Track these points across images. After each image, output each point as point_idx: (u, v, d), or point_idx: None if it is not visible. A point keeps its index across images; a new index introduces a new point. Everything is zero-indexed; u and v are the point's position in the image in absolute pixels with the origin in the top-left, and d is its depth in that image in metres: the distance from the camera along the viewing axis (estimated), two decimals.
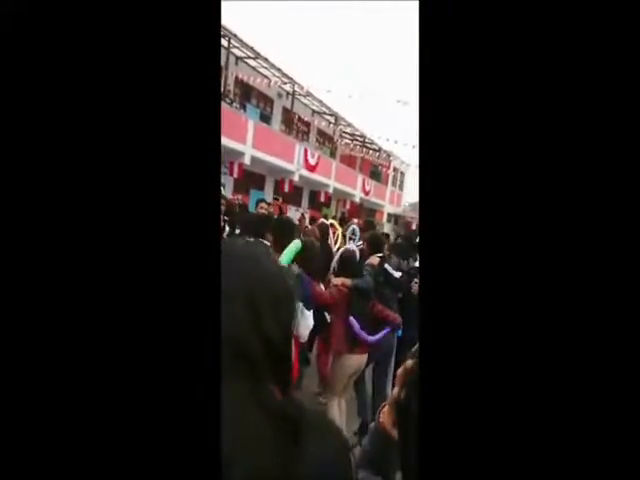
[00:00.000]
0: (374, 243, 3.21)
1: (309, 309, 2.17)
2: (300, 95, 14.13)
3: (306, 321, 2.15)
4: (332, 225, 5.06)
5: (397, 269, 3.09)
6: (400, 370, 0.61)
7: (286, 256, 2.20)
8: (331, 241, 4.57)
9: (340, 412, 2.69)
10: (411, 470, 0.56)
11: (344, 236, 4.75)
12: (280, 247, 2.26)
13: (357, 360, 2.67)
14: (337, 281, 2.63)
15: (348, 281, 2.60)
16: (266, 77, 12.43)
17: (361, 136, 17.89)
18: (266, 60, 11.82)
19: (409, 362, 0.60)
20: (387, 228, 18.80)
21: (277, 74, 12.47)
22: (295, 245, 2.32)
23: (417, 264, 3.21)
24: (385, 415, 0.63)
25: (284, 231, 2.42)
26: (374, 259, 3.02)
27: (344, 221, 7.35)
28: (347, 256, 2.76)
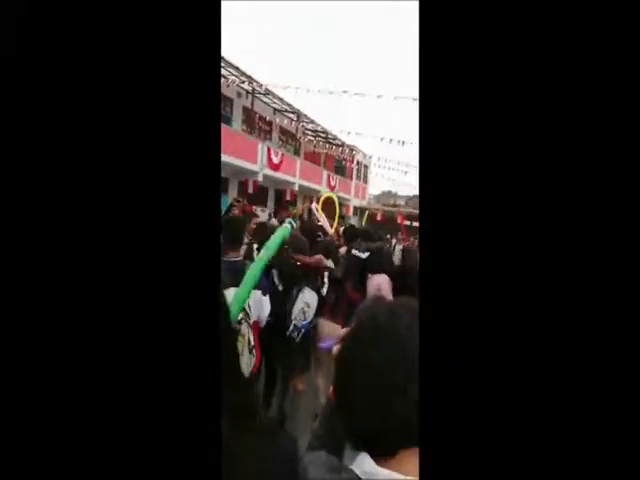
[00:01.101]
0: (347, 233, 3.85)
1: (265, 295, 2.21)
2: (260, 94, 13.91)
3: (264, 307, 2.20)
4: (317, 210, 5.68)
5: (365, 251, 3.32)
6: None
7: (274, 242, 2.17)
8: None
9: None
10: (349, 432, 0.56)
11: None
12: (229, 246, 2.18)
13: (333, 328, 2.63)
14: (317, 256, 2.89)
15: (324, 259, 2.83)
16: (223, 76, 12.14)
17: (324, 132, 17.86)
18: (222, 59, 11.54)
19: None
20: (354, 221, 18.93)
21: (234, 72, 12.21)
22: (283, 231, 2.32)
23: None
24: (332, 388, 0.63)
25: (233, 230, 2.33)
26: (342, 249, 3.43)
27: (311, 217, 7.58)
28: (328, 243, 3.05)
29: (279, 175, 14.20)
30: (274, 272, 2.69)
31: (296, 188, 15.72)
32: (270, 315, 2.26)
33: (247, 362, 2.07)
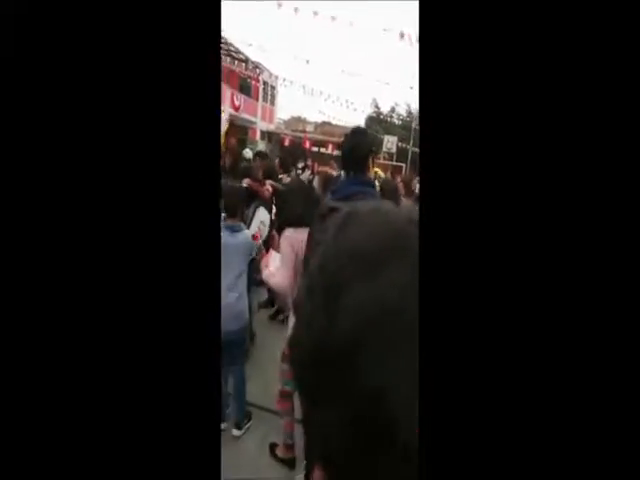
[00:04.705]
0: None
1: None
2: None
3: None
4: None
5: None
6: None
7: None
8: None
9: None
10: None
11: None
12: None
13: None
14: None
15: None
16: None
17: (225, 42, 16.18)
18: None
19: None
20: (261, 146, 18.16)
21: None
22: None
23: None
24: None
25: None
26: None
27: None
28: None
29: None
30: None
31: None
32: None
33: None
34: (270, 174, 4.04)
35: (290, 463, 2.38)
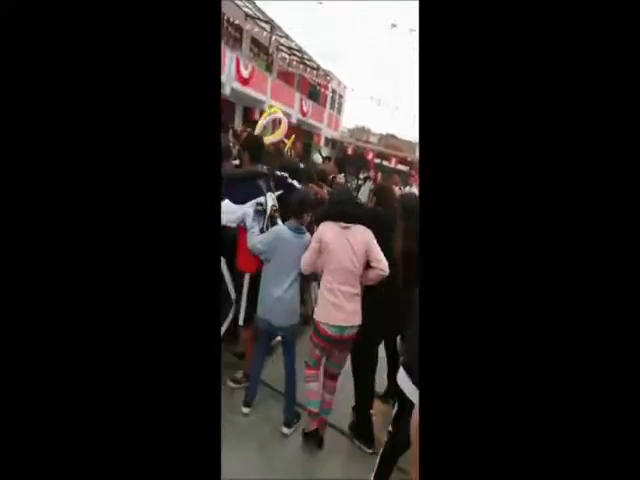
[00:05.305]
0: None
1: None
2: None
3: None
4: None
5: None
6: None
7: None
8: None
9: None
10: None
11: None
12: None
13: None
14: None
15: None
16: None
17: (299, 50, 16.52)
18: None
19: None
20: (326, 151, 18.26)
21: None
22: None
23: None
24: None
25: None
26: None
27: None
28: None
29: (248, 91, 13.10)
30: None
31: (266, 107, 14.69)
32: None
33: None
34: (325, 177, 4.16)
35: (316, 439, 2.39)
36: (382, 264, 2.17)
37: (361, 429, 2.46)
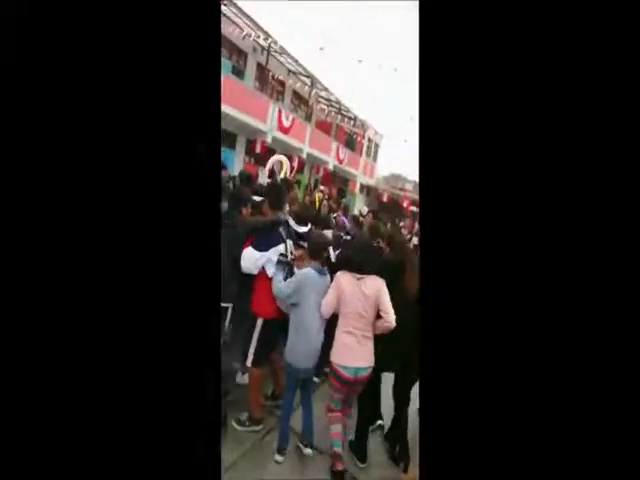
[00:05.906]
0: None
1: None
2: (275, 52, 13.33)
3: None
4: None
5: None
6: None
7: None
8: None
9: None
10: None
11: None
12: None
13: None
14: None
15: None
16: (238, 26, 11.55)
17: (337, 102, 17.30)
18: (235, 5, 10.95)
19: None
20: (361, 198, 18.53)
21: (250, 24, 11.62)
22: None
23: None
24: None
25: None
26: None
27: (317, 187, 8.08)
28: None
29: (288, 139, 13.72)
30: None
31: (304, 155, 15.24)
32: None
33: None
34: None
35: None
36: (389, 317, 2.35)
37: (359, 446, 2.68)
